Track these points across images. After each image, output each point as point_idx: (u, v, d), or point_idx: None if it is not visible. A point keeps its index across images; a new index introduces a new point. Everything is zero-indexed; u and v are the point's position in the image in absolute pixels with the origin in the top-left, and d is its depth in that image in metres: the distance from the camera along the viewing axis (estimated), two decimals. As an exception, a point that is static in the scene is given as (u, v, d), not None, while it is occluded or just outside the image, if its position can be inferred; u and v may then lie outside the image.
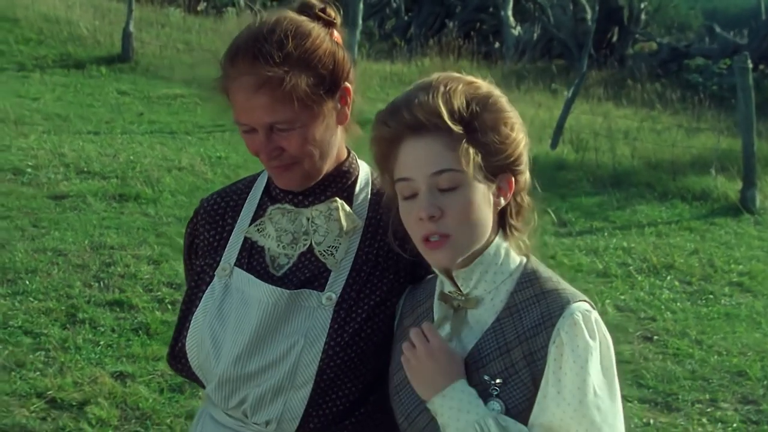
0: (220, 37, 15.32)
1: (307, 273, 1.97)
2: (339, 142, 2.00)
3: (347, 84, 1.94)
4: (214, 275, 2.00)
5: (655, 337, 6.18)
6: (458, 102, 1.75)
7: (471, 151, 1.74)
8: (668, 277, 7.41)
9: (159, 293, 5.90)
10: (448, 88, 1.77)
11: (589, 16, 18.62)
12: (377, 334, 1.95)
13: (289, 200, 1.99)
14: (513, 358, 1.76)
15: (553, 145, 11.30)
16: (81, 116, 10.95)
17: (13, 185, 7.76)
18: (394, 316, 1.98)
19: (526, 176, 1.85)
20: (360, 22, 12.93)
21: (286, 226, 1.98)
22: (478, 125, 1.75)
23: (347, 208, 1.98)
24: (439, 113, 1.73)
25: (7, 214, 7.07)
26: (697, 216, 9.34)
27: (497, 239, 1.83)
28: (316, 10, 1.93)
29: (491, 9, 21.12)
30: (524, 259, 1.86)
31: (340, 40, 1.94)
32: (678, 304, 6.86)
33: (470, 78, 1.83)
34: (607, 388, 1.74)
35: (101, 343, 5.20)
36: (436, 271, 1.87)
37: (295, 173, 1.93)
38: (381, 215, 1.99)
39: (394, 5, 22.71)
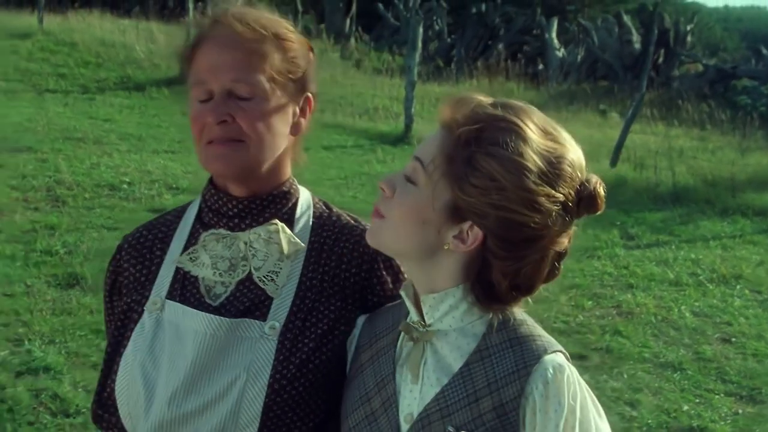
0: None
1: (246, 302, 1.79)
2: (285, 156, 1.85)
3: (311, 96, 1.86)
4: (143, 311, 1.81)
5: (733, 339, 6.44)
6: None
7: (446, 167, 1.61)
8: (738, 287, 7.65)
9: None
10: (486, 106, 1.64)
11: (634, 38, 18.86)
12: (326, 365, 1.77)
13: (223, 225, 1.83)
14: (482, 408, 1.60)
15: (613, 163, 11.57)
16: (153, 136, 11.34)
17: (114, 200, 8.16)
18: (343, 346, 1.81)
19: (513, 260, 1.59)
20: (419, 45, 13.25)
21: (222, 252, 1.82)
22: (471, 154, 1.60)
23: (288, 230, 1.84)
24: None
25: (115, 225, 7.46)
26: (759, 230, 9.59)
27: (466, 285, 1.64)
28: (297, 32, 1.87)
29: (535, 31, 21.44)
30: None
31: (312, 61, 1.87)
32: (750, 310, 7.10)
33: (529, 121, 1.61)
34: None
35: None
36: (403, 297, 1.72)
37: (237, 154, 1.75)
38: (324, 239, 1.87)
39: (437, 28, 23.05)
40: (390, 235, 1.64)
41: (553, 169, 1.56)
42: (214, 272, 1.81)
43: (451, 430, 1.61)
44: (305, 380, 1.75)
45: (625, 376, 5.69)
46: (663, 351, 6.15)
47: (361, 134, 12.98)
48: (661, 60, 19.83)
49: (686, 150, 12.86)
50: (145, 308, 1.80)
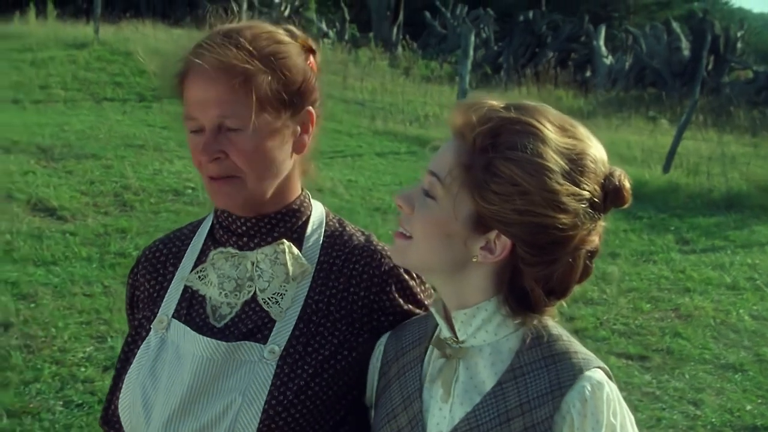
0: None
1: (250, 324, 1.76)
2: (292, 175, 1.81)
3: (311, 109, 1.78)
4: (151, 328, 1.79)
5: (796, 342, 6.49)
6: None
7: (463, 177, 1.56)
8: (796, 291, 7.69)
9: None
10: (499, 109, 1.59)
11: (683, 45, 18.87)
12: (326, 392, 1.72)
13: (233, 243, 1.80)
14: (512, 429, 1.55)
15: (666, 169, 11.63)
16: (211, 143, 11.56)
17: (179, 204, 8.40)
18: (346, 372, 1.75)
19: (544, 264, 1.56)
20: (471, 53, 13.41)
21: (229, 272, 1.78)
22: (488, 161, 1.56)
23: (295, 250, 1.79)
24: None
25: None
26: (815, 236, 9.59)
27: (497, 298, 1.60)
28: (298, 37, 1.80)
29: (583, 39, 21.52)
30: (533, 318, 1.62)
31: (315, 68, 1.80)
32: (812, 315, 7.14)
33: (545, 120, 1.56)
34: None
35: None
36: (434, 314, 1.68)
37: (235, 189, 1.72)
38: (334, 259, 1.81)
39: (484, 36, 23.20)
40: (416, 253, 1.59)
41: (576, 166, 1.52)
42: (221, 292, 1.77)
43: None
44: (302, 407, 1.70)
45: (687, 376, 5.78)
46: (723, 353, 6.22)
47: (413, 141, 13.12)
48: (710, 67, 19.82)
49: (738, 156, 12.87)
50: (152, 326, 1.78)
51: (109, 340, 5.50)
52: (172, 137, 11.71)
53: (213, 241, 1.83)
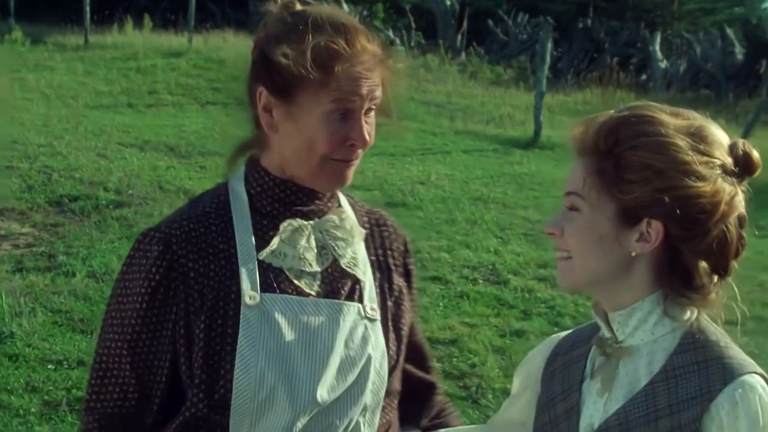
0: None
1: (339, 286, 1.84)
2: None
3: None
4: (233, 306, 1.75)
5: None
6: (608, 128, 1.60)
7: (598, 181, 1.59)
8: None
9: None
10: (612, 115, 1.64)
11: (737, 49, 19.75)
12: (405, 336, 1.93)
13: (292, 214, 1.84)
14: (659, 428, 1.57)
15: (733, 163, 12.54)
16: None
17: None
18: (408, 314, 1.95)
19: (699, 236, 1.58)
20: (548, 58, 14.40)
21: (304, 243, 1.83)
22: (616, 157, 1.59)
23: (352, 216, 1.91)
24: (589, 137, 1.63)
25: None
26: None
27: (654, 296, 1.62)
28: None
29: (639, 44, 22.45)
30: (693, 316, 1.63)
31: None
32: None
33: (658, 110, 1.62)
34: None
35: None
36: (594, 316, 1.71)
37: (352, 171, 1.83)
38: (365, 223, 1.94)
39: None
40: (580, 268, 1.63)
41: (699, 139, 1.57)
42: (302, 262, 1.82)
43: None
44: (403, 354, 1.90)
45: None
46: None
47: (493, 139, 14.07)
48: (762, 70, 20.66)
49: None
50: (243, 303, 1.75)
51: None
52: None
53: (261, 215, 1.83)
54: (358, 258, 1.87)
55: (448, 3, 23.68)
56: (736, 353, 1.60)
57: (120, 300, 1.79)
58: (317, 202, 1.85)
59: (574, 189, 1.62)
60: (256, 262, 1.78)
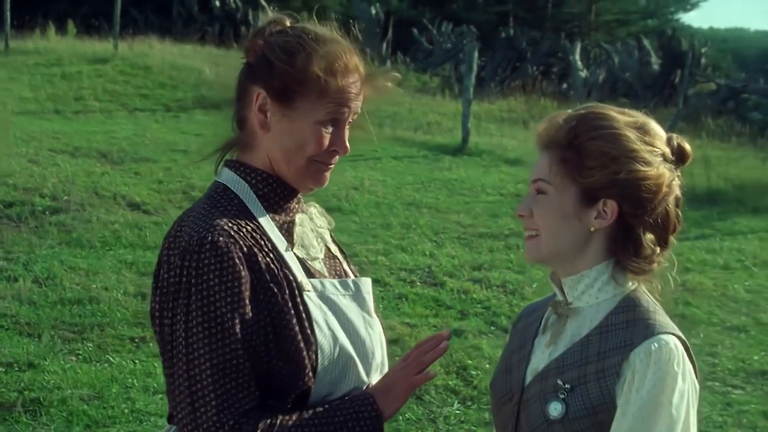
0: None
1: (337, 267, 2.08)
2: None
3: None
4: (296, 296, 1.90)
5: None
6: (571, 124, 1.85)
7: (562, 168, 1.85)
8: (780, 270, 8.80)
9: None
10: (571, 113, 1.90)
11: (653, 59, 20.39)
12: None
13: (290, 210, 2.03)
14: (587, 370, 1.82)
15: (653, 169, 12.98)
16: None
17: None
18: None
19: (647, 213, 1.84)
20: (475, 67, 14.66)
21: (309, 233, 2.04)
22: (577, 148, 1.84)
23: (319, 208, 2.14)
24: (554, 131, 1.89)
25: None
26: (788, 225, 10.91)
27: (602, 265, 1.88)
28: None
29: (559, 54, 23.00)
30: (632, 285, 1.89)
31: None
32: (792, 286, 8.27)
33: (609, 109, 1.90)
34: (669, 424, 1.74)
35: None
36: (550, 282, 1.97)
37: (330, 171, 2.03)
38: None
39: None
40: (546, 244, 1.88)
41: (644, 132, 1.85)
42: (313, 250, 2.03)
43: (559, 382, 1.85)
44: None
45: (702, 335, 6.78)
46: (728, 317, 7.26)
47: (422, 146, 14.18)
48: (677, 80, 21.36)
49: (712, 158, 14.30)
50: (305, 293, 1.91)
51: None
52: (209, 143, 12.72)
53: (273, 211, 1.99)
54: (330, 242, 2.10)
55: (373, 12, 23.93)
56: (661, 317, 1.85)
57: (210, 309, 1.81)
58: (297, 197, 2.04)
59: (541, 176, 1.87)
60: (293, 256, 1.96)
